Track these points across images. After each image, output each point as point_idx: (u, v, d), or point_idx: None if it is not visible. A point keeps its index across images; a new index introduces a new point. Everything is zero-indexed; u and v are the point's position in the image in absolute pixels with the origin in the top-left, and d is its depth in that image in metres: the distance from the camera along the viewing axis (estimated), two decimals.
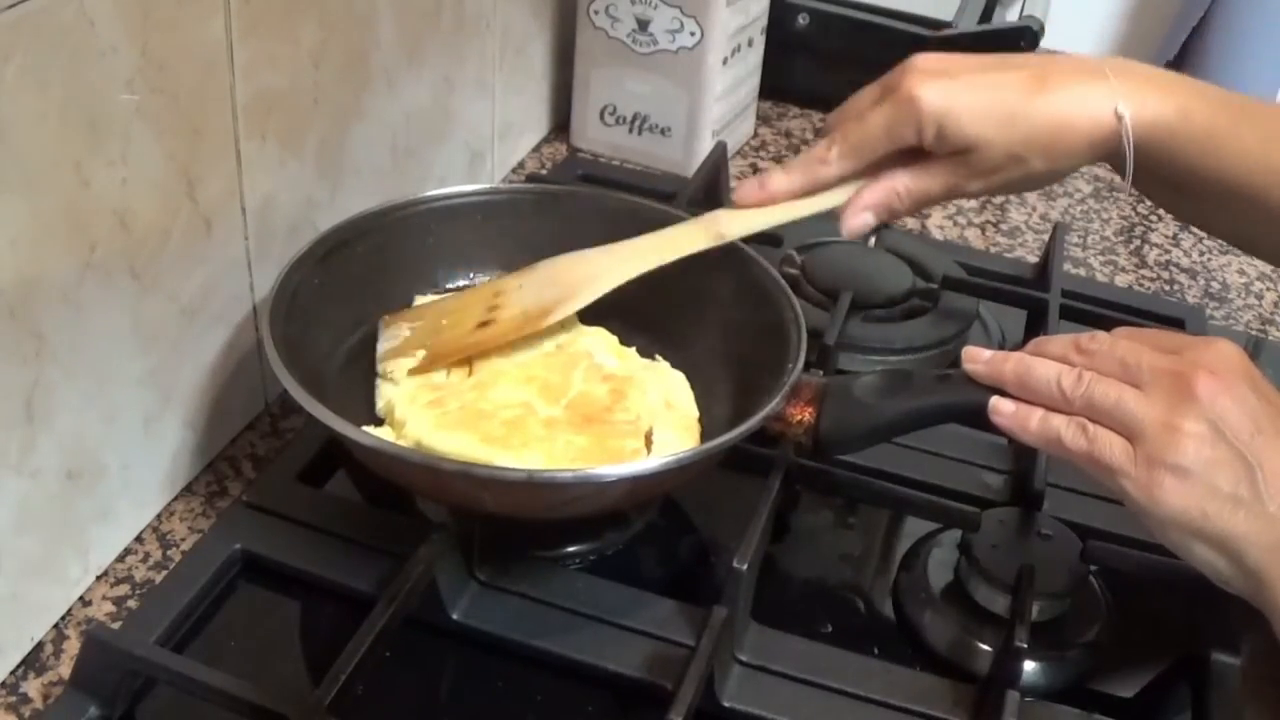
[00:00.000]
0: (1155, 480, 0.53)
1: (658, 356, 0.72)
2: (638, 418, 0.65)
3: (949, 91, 0.65)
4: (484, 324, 0.69)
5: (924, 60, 0.66)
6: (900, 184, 0.68)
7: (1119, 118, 0.64)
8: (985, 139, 0.65)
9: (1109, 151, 0.66)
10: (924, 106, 0.65)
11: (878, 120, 0.66)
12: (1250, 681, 0.62)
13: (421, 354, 0.68)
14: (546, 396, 0.66)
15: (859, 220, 0.69)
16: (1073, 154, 0.66)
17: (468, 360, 0.69)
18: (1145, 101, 0.65)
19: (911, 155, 0.67)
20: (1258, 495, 0.52)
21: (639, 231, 0.75)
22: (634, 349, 0.72)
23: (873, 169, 0.68)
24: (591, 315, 0.72)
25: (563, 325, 0.72)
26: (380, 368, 0.69)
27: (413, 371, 0.67)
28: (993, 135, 0.65)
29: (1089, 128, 0.65)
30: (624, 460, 0.62)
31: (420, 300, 0.74)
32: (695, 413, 0.69)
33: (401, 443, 0.63)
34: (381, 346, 0.70)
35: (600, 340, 0.72)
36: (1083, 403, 0.55)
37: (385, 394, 0.67)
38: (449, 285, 0.75)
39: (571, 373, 0.68)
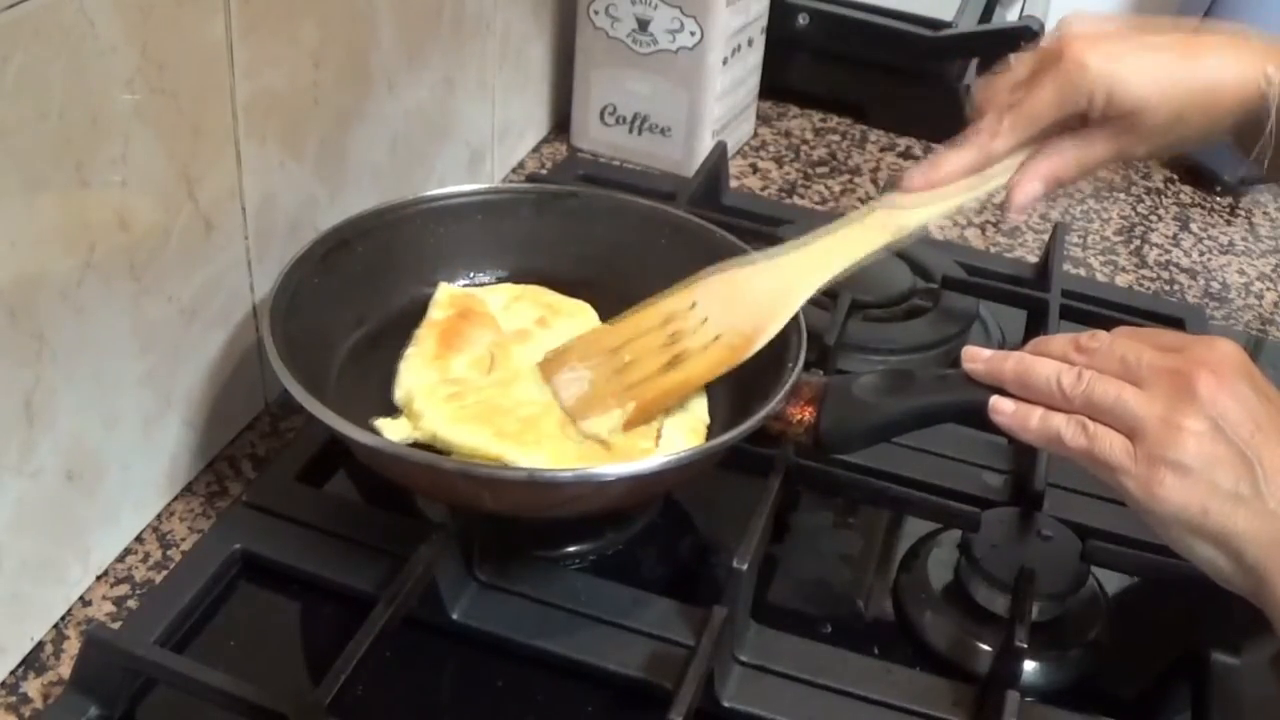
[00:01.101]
0: (1156, 477, 0.53)
1: None
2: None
3: (1114, 55, 0.64)
4: (674, 359, 0.65)
5: (1080, 24, 0.66)
6: (1069, 152, 0.67)
7: (1267, 80, 0.64)
8: (1151, 102, 0.65)
9: (1250, 116, 0.66)
10: (1092, 72, 0.64)
11: (1046, 90, 0.66)
12: (1252, 681, 0.62)
13: (631, 406, 0.64)
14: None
15: (1031, 189, 0.68)
16: (1225, 115, 0.66)
17: (490, 360, 0.68)
18: None
19: (1075, 124, 0.67)
20: (1258, 493, 0.52)
21: (640, 230, 0.75)
22: None
23: (1037, 140, 0.68)
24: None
25: (586, 324, 0.72)
26: (582, 425, 0.64)
27: (628, 426, 0.63)
28: (1158, 98, 0.65)
29: (1238, 89, 0.65)
30: (634, 458, 0.62)
31: (444, 288, 0.73)
32: (706, 418, 0.68)
33: (418, 434, 0.63)
34: (564, 392, 0.65)
35: None
36: (1083, 401, 0.55)
37: (405, 384, 0.67)
38: (455, 284, 0.75)
39: None
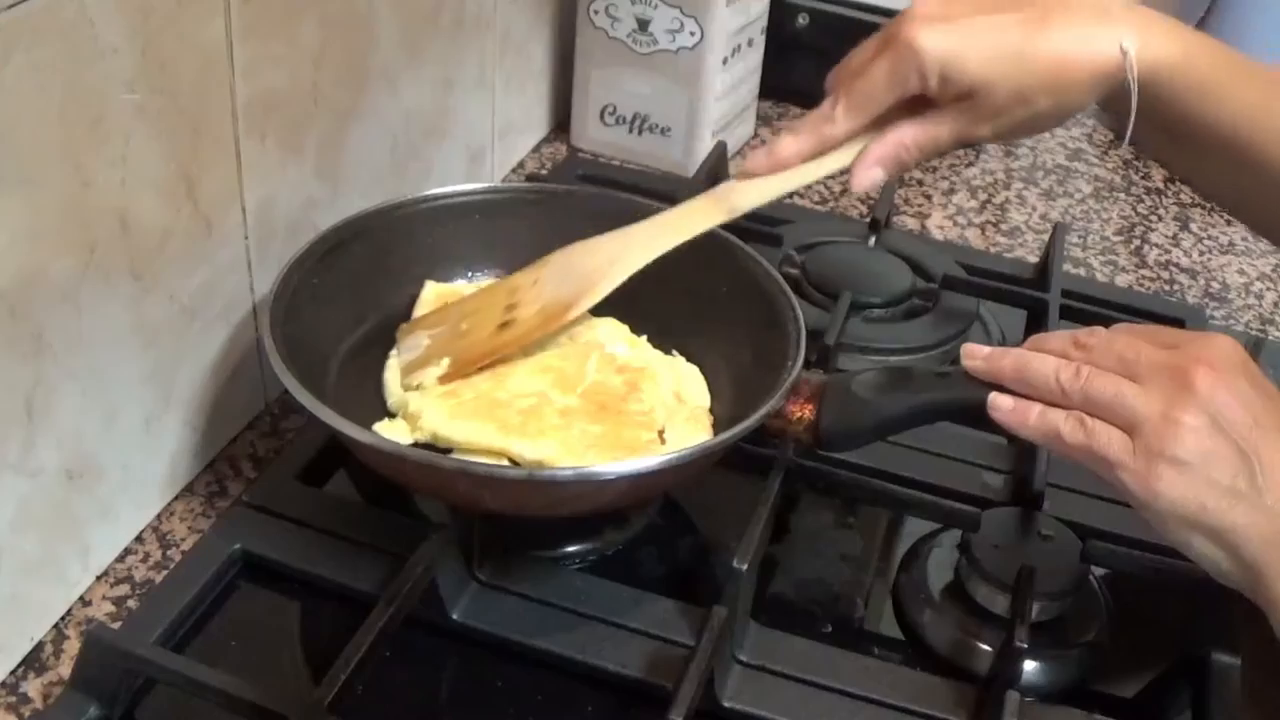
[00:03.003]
0: (1154, 472, 0.53)
1: (673, 351, 0.72)
2: (652, 409, 0.66)
3: (949, 35, 0.63)
4: (505, 325, 0.68)
5: (922, 6, 0.65)
6: (908, 135, 0.67)
7: (1124, 53, 0.63)
8: (989, 81, 0.64)
9: (1111, 90, 0.64)
10: (925, 53, 0.63)
11: (879, 72, 0.65)
12: (1252, 681, 0.62)
13: (446, 362, 0.67)
14: (562, 386, 0.66)
15: (869, 176, 0.67)
16: (1077, 91, 0.65)
17: None
18: (1149, 41, 0.64)
19: (917, 105, 0.66)
20: (1256, 488, 0.52)
21: None
22: (644, 338, 0.72)
23: (879, 123, 0.67)
24: (593, 311, 0.72)
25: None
26: (405, 380, 0.67)
27: (443, 379, 0.66)
28: (997, 77, 0.64)
29: (1093, 64, 0.64)
30: (639, 451, 0.62)
31: (431, 286, 0.74)
32: (706, 402, 0.69)
33: (417, 434, 0.64)
34: (402, 357, 0.69)
35: (611, 330, 0.72)
36: (1081, 396, 0.55)
37: (395, 390, 0.67)
38: (450, 283, 0.75)
39: (585, 363, 0.68)
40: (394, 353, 0.70)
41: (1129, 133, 0.66)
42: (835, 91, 0.67)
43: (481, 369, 0.67)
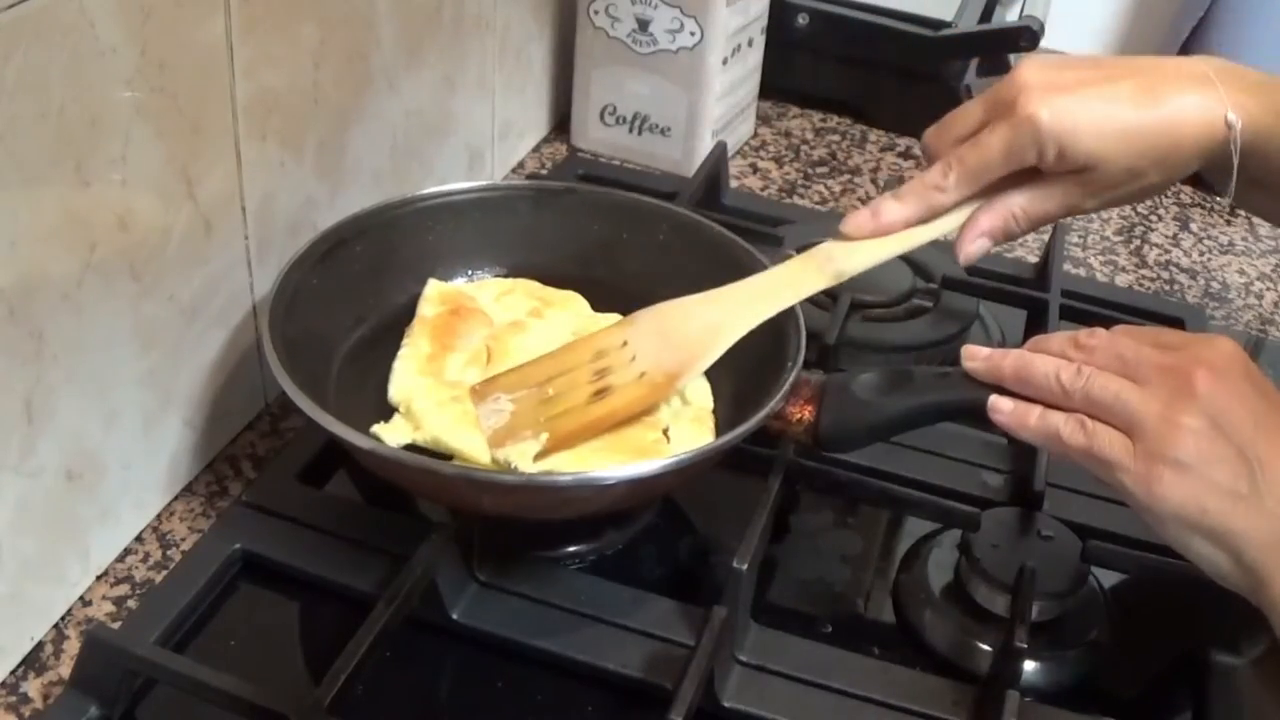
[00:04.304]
0: (1154, 475, 0.53)
1: None
2: (657, 410, 0.65)
3: (1066, 109, 0.62)
4: (600, 393, 0.64)
5: (1031, 72, 0.64)
6: (1017, 206, 0.66)
7: (1229, 126, 0.63)
8: (1105, 156, 0.63)
9: (1215, 159, 0.64)
10: (1043, 127, 0.62)
11: (995, 143, 0.64)
12: (1259, 681, 0.62)
13: (545, 437, 0.62)
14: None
15: (976, 247, 0.67)
16: (1184, 164, 0.65)
17: (486, 354, 0.68)
18: (1244, 103, 0.63)
19: (1025, 174, 0.65)
20: (1256, 491, 0.52)
21: (638, 227, 0.75)
22: None
23: (987, 191, 0.66)
24: (596, 309, 0.72)
25: (577, 317, 0.72)
26: (496, 451, 0.62)
27: (538, 458, 0.62)
28: (1111, 152, 0.63)
29: (1199, 136, 0.63)
30: (645, 451, 0.62)
31: (434, 284, 0.73)
32: (710, 403, 0.68)
33: (418, 437, 0.63)
34: (486, 425, 0.64)
35: None
36: (1081, 397, 0.55)
37: (401, 385, 0.67)
38: (451, 282, 0.75)
39: None
40: (404, 346, 0.69)
41: (1230, 193, 0.65)
42: (945, 159, 0.66)
43: (483, 370, 0.67)
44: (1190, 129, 0.63)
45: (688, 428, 0.65)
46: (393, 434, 0.64)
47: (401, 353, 0.69)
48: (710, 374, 0.70)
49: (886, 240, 0.67)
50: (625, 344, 0.66)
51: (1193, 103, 0.63)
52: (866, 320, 0.85)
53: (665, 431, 0.65)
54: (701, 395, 0.69)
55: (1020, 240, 1.05)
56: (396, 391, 0.67)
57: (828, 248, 0.67)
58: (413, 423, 0.64)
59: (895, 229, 0.66)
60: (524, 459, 0.61)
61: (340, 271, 0.69)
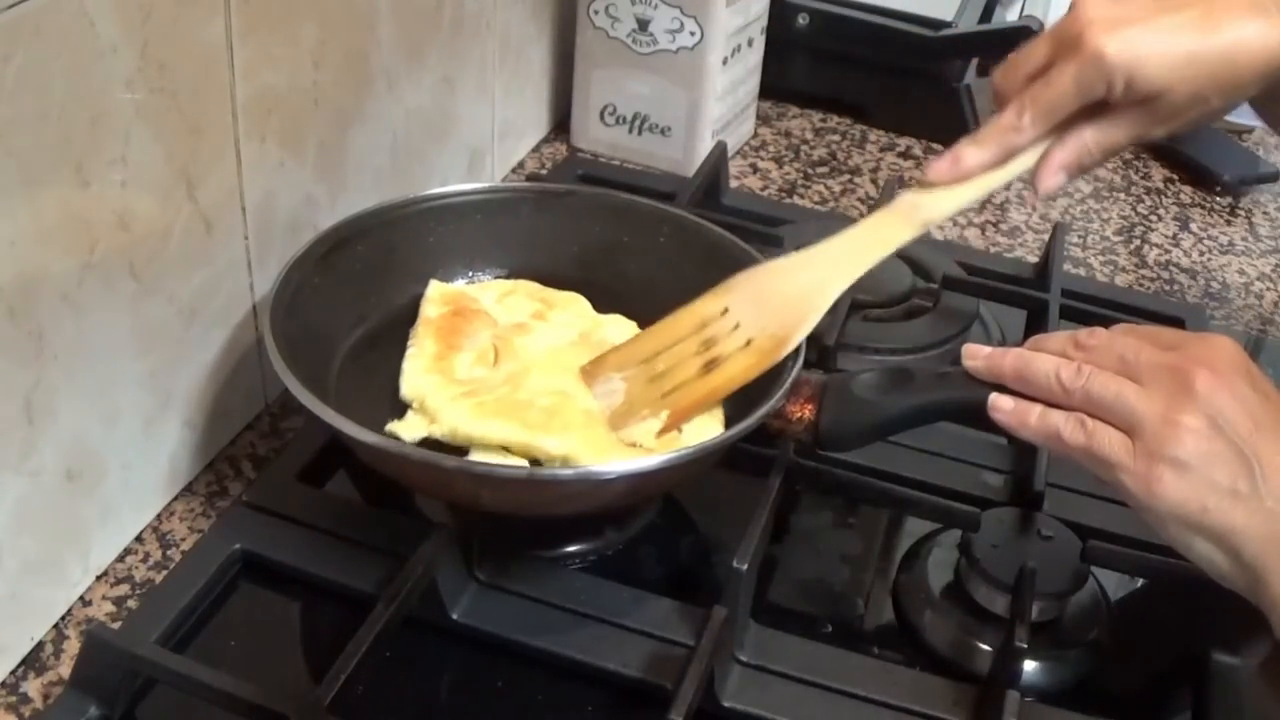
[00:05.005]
0: (1154, 474, 0.53)
1: None
2: None
3: (1131, 41, 0.64)
4: (709, 364, 0.65)
5: (1093, 7, 0.65)
6: (1089, 138, 0.67)
7: None
8: (1170, 85, 0.64)
9: (1272, 83, 0.66)
10: (1111, 60, 0.64)
11: (1065, 80, 0.65)
12: (1259, 682, 0.62)
13: (664, 414, 0.64)
14: (581, 385, 0.66)
15: (1055, 181, 0.68)
16: (1244, 88, 0.66)
17: (494, 353, 0.68)
18: None
19: (1093, 107, 0.67)
20: (1256, 490, 0.52)
21: (639, 228, 0.75)
22: None
23: (1058, 127, 0.68)
24: (599, 309, 0.72)
25: (581, 315, 0.72)
26: (619, 433, 0.64)
27: (660, 434, 0.63)
28: (1177, 80, 0.64)
29: (1257, 62, 0.65)
30: (636, 458, 0.62)
31: (435, 285, 0.73)
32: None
33: (434, 429, 0.63)
34: (600, 401, 0.65)
35: (622, 327, 0.72)
36: (1081, 396, 0.55)
37: (413, 381, 0.67)
38: (452, 283, 0.75)
39: None
40: (410, 346, 0.69)
41: None
42: (1018, 99, 0.67)
43: (492, 366, 0.67)
44: (1249, 54, 0.65)
45: (698, 422, 0.65)
46: (408, 429, 0.64)
47: (409, 352, 0.69)
48: None
49: (967, 185, 0.68)
50: (726, 311, 0.66)
51: (1251, 29, 0.65)
52: (866, 320, 0.85)
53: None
54: None
55: (1020, 240, 1.05)
56: (408, 389, 0.67)
57: (911, 197, 0.69)
58: (428, 417, 0.64)
59: (975, 173, 0.68)
60: (647, 437, 0.63)
61: (341, 271, 0.69)
